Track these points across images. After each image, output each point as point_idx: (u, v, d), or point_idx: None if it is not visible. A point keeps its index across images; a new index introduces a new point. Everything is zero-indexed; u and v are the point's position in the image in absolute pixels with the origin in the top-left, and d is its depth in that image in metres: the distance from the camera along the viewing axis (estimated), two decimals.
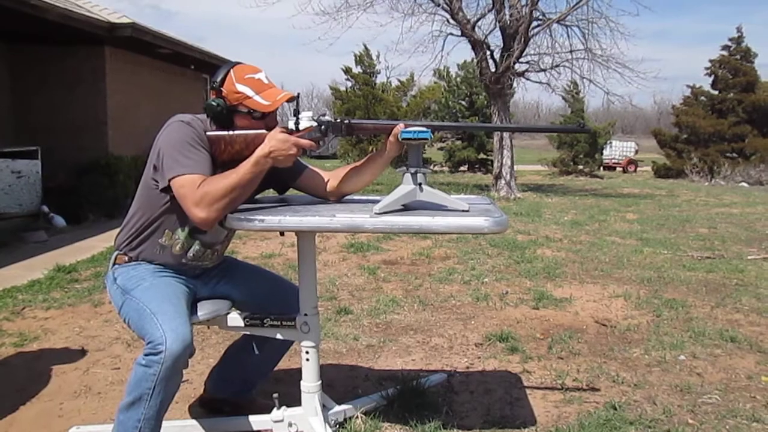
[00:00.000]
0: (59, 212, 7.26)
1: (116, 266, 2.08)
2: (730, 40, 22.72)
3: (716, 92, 22.82)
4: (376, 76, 20.57)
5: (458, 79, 24.23)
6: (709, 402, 2.60)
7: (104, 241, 6.09)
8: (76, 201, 7.47)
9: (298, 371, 2.19)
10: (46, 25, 6.86)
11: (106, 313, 3.76)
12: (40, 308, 3.88)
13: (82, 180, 7.71)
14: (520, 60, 12.04)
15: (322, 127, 2.02)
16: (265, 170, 1.92)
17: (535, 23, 11.89)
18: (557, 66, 12.29)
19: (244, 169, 1.87)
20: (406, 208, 1.95)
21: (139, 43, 8.53)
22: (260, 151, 1.89)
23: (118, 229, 2.14)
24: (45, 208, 7.21)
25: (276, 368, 2.49)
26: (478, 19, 12.05)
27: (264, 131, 1.95)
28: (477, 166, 23.56)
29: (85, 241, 6.29)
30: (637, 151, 28.80)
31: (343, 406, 2.35)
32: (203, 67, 11.39)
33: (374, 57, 20.30)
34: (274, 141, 1.90)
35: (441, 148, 24.84)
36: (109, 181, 7.82)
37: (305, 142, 1.95)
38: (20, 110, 8.29)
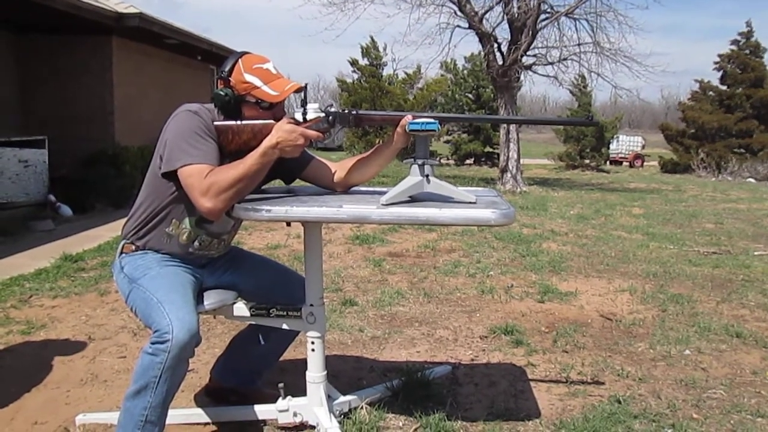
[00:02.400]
0: (66, 201, 7.28)
1: (123, 255, 2.09)
2: (740, 35, 22.55)
3: (724, 87, 22.67)
4: (382, 69, 20.50)
5: (465, 71, 24.11)
6: (714, 397, 2.60)
7: (111, 230, 6.11)
8: (82, 190, 7.49)
9: (304, 362, 2.20)
10: (54, 15, 6.87)
11: (113, 302, 3.78)
12: (46, 296, 3.90)
13: (89, 170, 7.73)
14: (528, 53, 11.99)
15: (330, 117, 2.02)
16: (273, 161, 1.92)
17: (543, 16, 11.84)
18: (565, 59, 12.25)
19: (252, 159, 1.87)
20: (413, 200, 1.95)
21: (146, 33, 8.53)
22: (267, 142, 1.89)
23: (124, 219, 2.15)
24: (52, 198, 7.23)
25: (281, 358, 2.50)
26: (486, 12, 12.01)
27: (272, 121, 1.95)
28: (483, 159, 23.48)
29: (91, 231, 6.31)
30: (643, 146, 28.63)
31: (348, 397, 2.36)
32: (210, 57, 11.38)
33: (381, 49, 20.23)
34: (281, 132, 1.90)
35: (447, 141, 24.76)
36: (116, 171, 7.84)
37: (312, 132, 1.95)
38: (27, 100, 8.32)
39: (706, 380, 2.76)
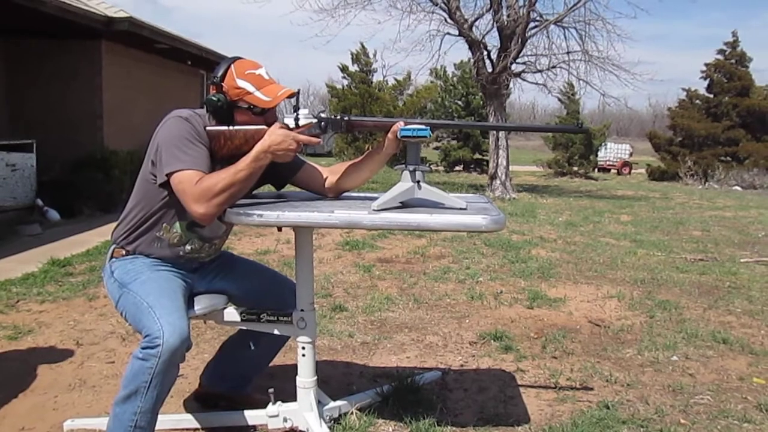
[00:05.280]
0: (54, 206, 7.23)
1: (113, 260, 2.08)
2: (726, 44, 22.84)
3: (711, 96, 22.94)
4: (372, 75, 20.59)
5: (455, 78, 24.28)
6: (701, 402, 2.62)
7: (99, 235, 6.08)
8: (70, 195, 7.44)
9: (294, 367, 2.20)
10: (43, 18, 6.82)
11: (101, 307, 3.75)
12: (34, 301, 3.87)
13: (77, 174, 7.67)
14: (517, 61, 12.06)
15: (322, 123, 2.03)
16: (265, 165, 1.92)
17: (532, 24, 11.92)
18: (554, 67, 12.33)
19: (244, 164, 1.88)
20: (404, 206, 1.95)
21: (136, 37, 8.50)
22: (260, 147, 1.90)
23: (113, 224, 2.15)
24: (39, 202, 7.18)
25: (271, 364, 2.50)
26: (476, 19, 12.08)
27: (264, 127, 1.96)
28: (472, 166, 23.61)
29: (79, 235, 6.27)
30: (631, 154, 28.90)
31: (338, 402, 2.36)
32: (200, 62, 11.36)
33: (371, 55, 20.32)
34: (274, 136, 1.91)
35: (436, 148, 24.88)
36: (105, 175, 7.79)
37: (305, 137, 1.96)
38: (16, 103, 8.26)
39: (694, 386, 2.79)
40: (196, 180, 1.84)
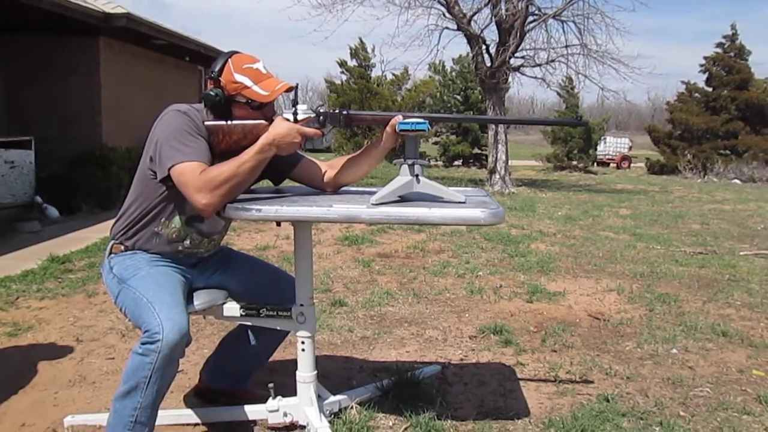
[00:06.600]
0: (52, 203, 7.23)
1: (112, 255, 2.07)
2: (725, 37, 22.75)
3: (710, 89, 22.86)
4: (371, 70, 20.57)
5: (453, 73, 24.19)
6: (701, 395, 2.63)
7: (98, 231, 6.07)
8: (69, 191, 7.44)
9: (293, 362, 2.20)
10: (40, 15, 6.81)
11: (101, 303, 3.76)
12: (33, 298, 3.87)
13: (76, 171, 7.67)
14: (516, 55, 12.04)
15: (321, 118, 2.02)
16: (269, 158, 1.92)
17: (530, 18, 11.89)
18: (552, 61, 12.31)
19: (248, 155, 1.87)
20: (403, 200, 1.95)
21: (134, 33, 8.48)
22: (265, 139, 1.89)
23: (111, 220, 2.14)
24: (38, 199, 7.18)
25: (271, 359, 2.50)
26: (474, 14, 12.05)
27: (263, 121, 1.95)
28: (471, 160, 23.55)
29: (78, 232, 6.27)
30: (630, 148, 28.85)
31: (338, 397, 2.36)
32: (198, 58, 11.34)
33: (369, 50, 20.29)
34: (279, 129, 1.90)
35: (435, 143, 24.81)
36: (103, 172, 7.79)
37: (309, 129, 1.96)
38: (14, 100, 8.24)
39: (693, 378, 2.79)
40: (198, 171, 1.83)
